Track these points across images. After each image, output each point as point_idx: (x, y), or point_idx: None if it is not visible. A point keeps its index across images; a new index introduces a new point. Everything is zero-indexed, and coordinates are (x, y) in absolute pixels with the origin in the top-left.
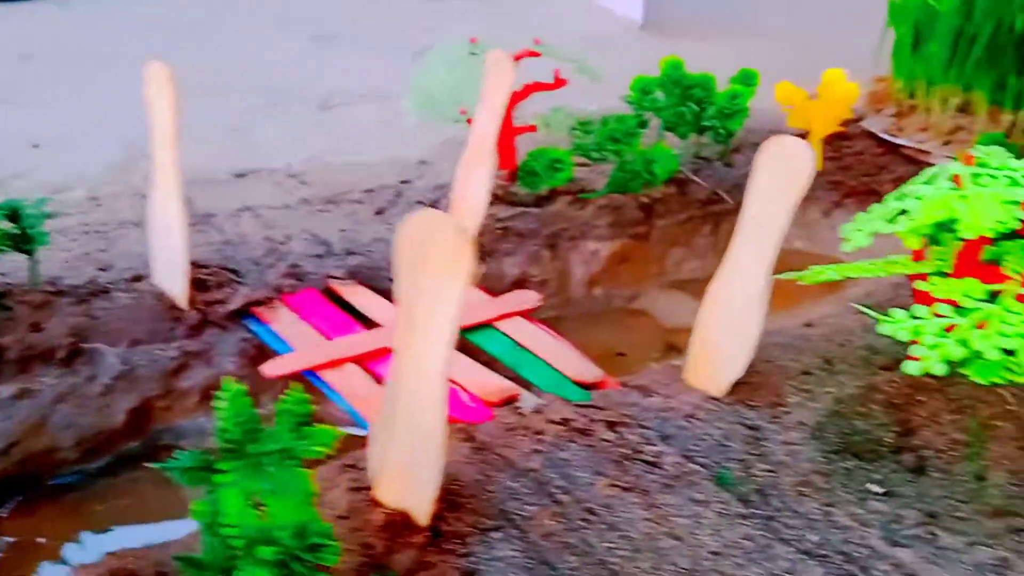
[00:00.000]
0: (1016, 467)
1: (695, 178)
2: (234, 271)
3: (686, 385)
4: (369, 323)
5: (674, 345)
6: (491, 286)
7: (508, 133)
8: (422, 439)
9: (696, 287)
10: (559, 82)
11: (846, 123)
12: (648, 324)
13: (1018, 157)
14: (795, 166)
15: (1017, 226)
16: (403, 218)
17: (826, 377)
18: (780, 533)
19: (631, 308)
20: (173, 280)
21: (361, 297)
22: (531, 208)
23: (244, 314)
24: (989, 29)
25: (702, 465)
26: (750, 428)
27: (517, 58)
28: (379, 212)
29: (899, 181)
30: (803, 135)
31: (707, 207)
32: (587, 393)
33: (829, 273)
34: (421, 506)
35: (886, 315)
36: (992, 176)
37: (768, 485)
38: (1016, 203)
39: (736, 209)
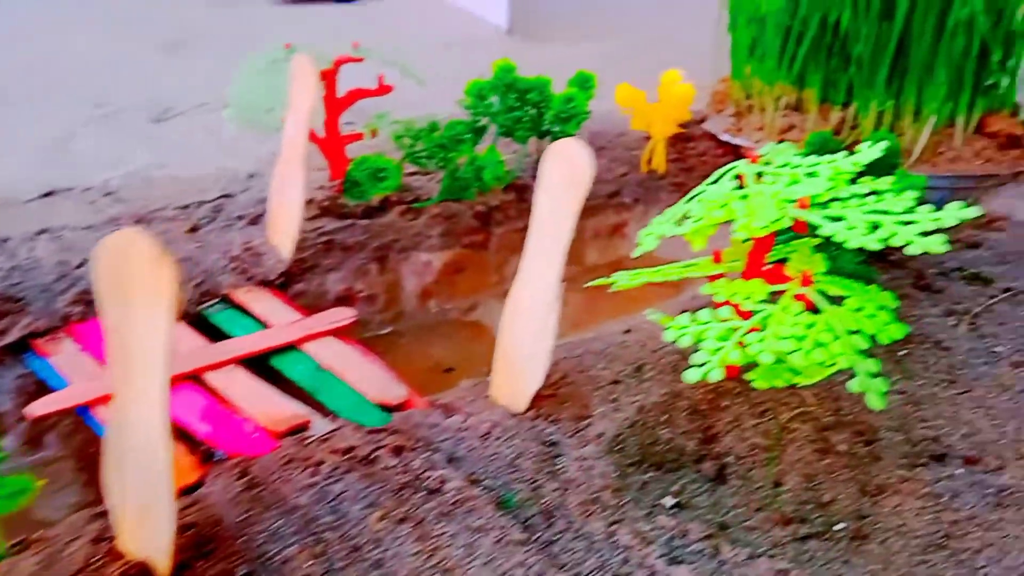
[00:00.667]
0: (811, 471)
1: (533, 183)
2: (19, 300)
3: (491, 402)
4: None
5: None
6: (312, 304)
7: (336, 142)
8: (151, 482)
9: None
10: (383, 88)
11: (689, 124)
12: (483, 336)
13: (837, 150)
14: (575, 170)
15: (790, 223)
16: (220, 235)
17: (635, 385)
18: (558, 559)
19: (467, 320)
20: None
21: None
22: (360, 220)
23: (25, 347)
24: (815, 27)
25: (487, 488)
26: (547, 444)
27: (338, 64)
28: (193, 230)
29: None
30: (647, 137)
31: None
32: (388, 416)
33: (629, 279)
34: (160, 555)
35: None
36: (774, 174)
37: (556, 506)
38: (792, 201)
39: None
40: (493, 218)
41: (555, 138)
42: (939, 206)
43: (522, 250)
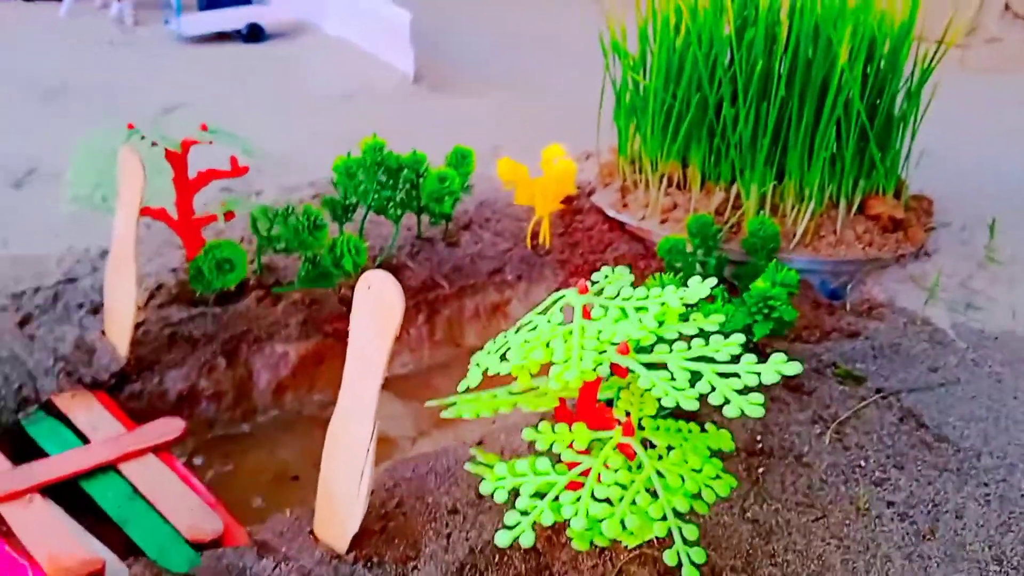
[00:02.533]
0: None
1: (410, 263)
2: None
3: (313, 538)
4: None
5: None
6: (150, 407)
7: (190, 224)
8: None
9: (406, 385)
10: (237, 170)
11: (578, 196)
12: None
13: (715, 241)
14: (385, 305)
15: (608, 370)
16: (52, 328)
17: (472, 516)
18: None
19: (324, 417)
20: None
21: None
22: (212, 308)
23: None
24: (694, 105)
25: None
26: None
27: (185, 147)
28: (23, 322)
29: (622, 260)
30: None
31: (421, 294)
32: (197, 556)
33: (466, 409)
34: None
35: (491, 468)
36: (603, 306)
37: None
38: (613, 343)
39: (454, 295)
40: None
41: (431, 215)
42: (822, 291)
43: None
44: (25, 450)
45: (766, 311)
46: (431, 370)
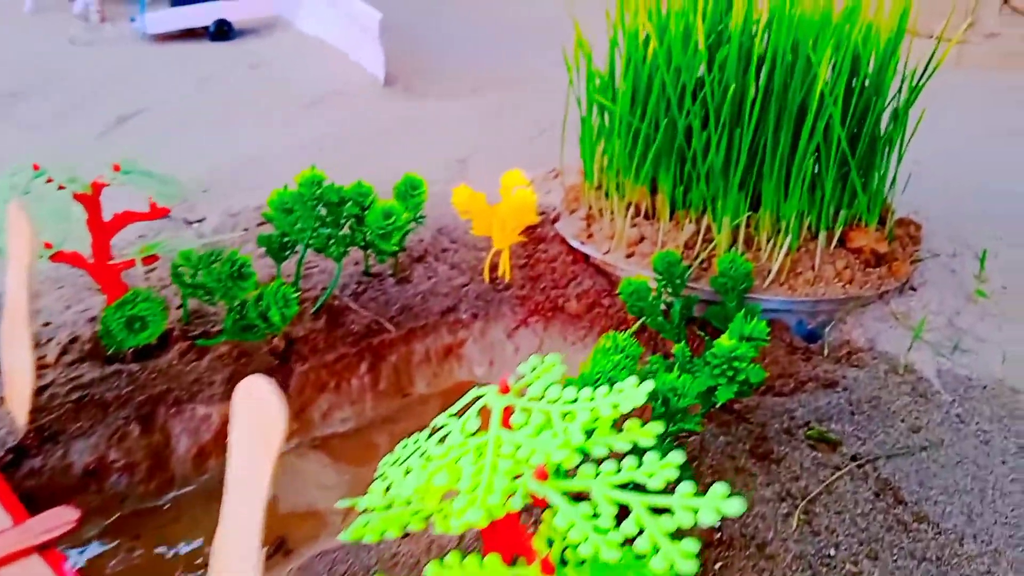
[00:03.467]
0: None
1: (353, 304)
2: None
3: None
4: None
5: (285, 541)
6: (52, 484)
7: (109, 270)
8: None
9: (344, 445)
10: (156, 212)
11: (542, 223)
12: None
13: (682, 280)
14: (266, 418)
15: (524, 500)
16: None
17: None
18: None
19: None
20: None
21: None
22: (128, 364)
23: None
24: (663, 131)
25: None
26: None
27: (96, 189)
28: None
29: (585, 296)
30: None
31: (365, 339)
32: None
33: (369, 528)
34: None
35: None
36: (526, 411)
37: None
38: (530, 466)
39: (402, 339)
40: (296, 352)
41: (377, 252)
42: (798, 332)
43: (325, 395)
44: None
45: (730, 373)
46: (374, 425)
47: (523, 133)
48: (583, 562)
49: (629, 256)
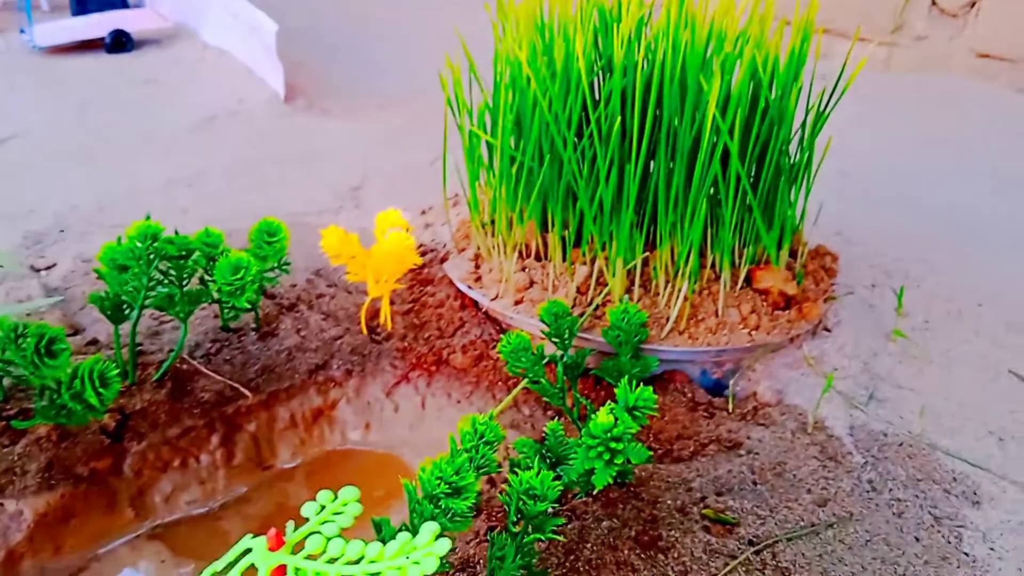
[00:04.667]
0: None
1: (204, 368)
2: None
3: None
4: None
5: None
6: None
7: None
8: None
9: (191, 532)
10: None
11: (430, 263)
12: None
13: (571, 332)
14: None
15: None
16: None
17: None
18: None
19: None
20: None
21: None
22: None
23: None
24: (546, 165)
25: None
26: None
27: None
28: None
29: (472, 347)
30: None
31: (216, 408)
32: None
33: None
34: None
35: None
36: (301, 571)
37: None
38: None
39: (262, 404)
40: (131, 429)
41: (230, 310)
42: (702, 383)
43: (168, 475)
44: None
45: (607, 456)
46: (226, 508)
47: (426, 155)
48: None
49: (518, 303)
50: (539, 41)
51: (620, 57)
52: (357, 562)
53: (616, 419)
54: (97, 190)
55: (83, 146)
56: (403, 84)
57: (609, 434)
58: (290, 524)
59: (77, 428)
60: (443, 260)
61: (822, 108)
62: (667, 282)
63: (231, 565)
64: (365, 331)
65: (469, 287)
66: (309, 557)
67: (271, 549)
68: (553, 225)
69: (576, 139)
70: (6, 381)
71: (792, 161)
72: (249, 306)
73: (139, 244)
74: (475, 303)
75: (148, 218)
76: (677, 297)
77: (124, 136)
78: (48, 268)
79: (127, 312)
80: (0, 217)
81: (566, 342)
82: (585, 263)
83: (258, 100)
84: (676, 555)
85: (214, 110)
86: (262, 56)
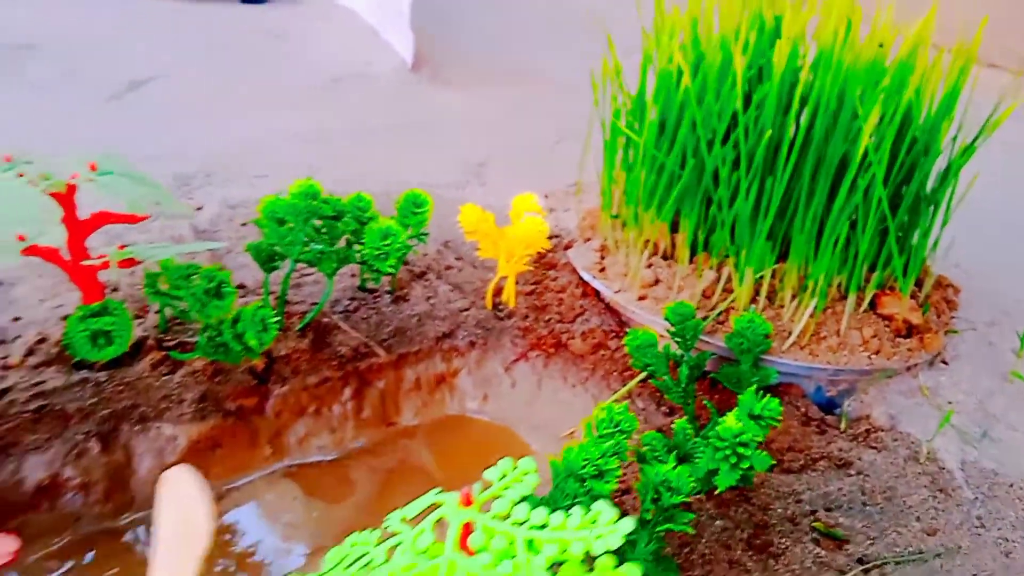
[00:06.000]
0: None
1: (343, 324)
2: None
3: None
4: None
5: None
6: (3, 499)
7: (83, 270)
8: None
9: (317, 475)
10: (134, 217)
11: (554, 248)
12: (223, 541)
13: (695, 334)
14: (191, 519)
15: None
16: None
17: None
18: None
19: (216, 510)
20: None
21: None
22: (96, 372)
23: None
24: (689, 169)
25: None
26: None
27: (71, 189)
28: None
29: (591, 335)
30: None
31: (351, 363)
32: None
33: None
34: None
35: None
36: (488, 531)
37: None
38: None
39: (392, 364)
40: (276, 372)
41: (373, 272)
42: (815, 399)
43: (303, 420)
44: None
45: (733, 459)
46: (352, 457)
47: (546, 135)
48: None
49: (641, 299)
50: (693, 45)
51: (781, 64)
52: (541, 528)
53: (743, 427)
54: (233, 138)
55: (218, 93)
56: (529, 61)
57: (737, 439)
58: (476, 486)
59: (229, 366)
60: (567, 247)
61: (969, 141)
62: (793, 297)
63: (424, 515)
64: (490, 307)
65: (593, 277)
66: (495, 518)
67: (462, 506)
68: (684, 227)
69: (721, 144)
70: (168, 313)
71: (932, 190)
72: (392, 271)
73: (299, 202)
74: (597, 293)
75: (309, 179)
76: (802, 313)
77: (254, 87)
78: (198, 209)
79: (278, 263)
80: (148, 158)
81: (689, 343)
82: (712, 268)
83: (384, 65)
84: (786, 562)
85: (340, 71)
86: (392, 21)
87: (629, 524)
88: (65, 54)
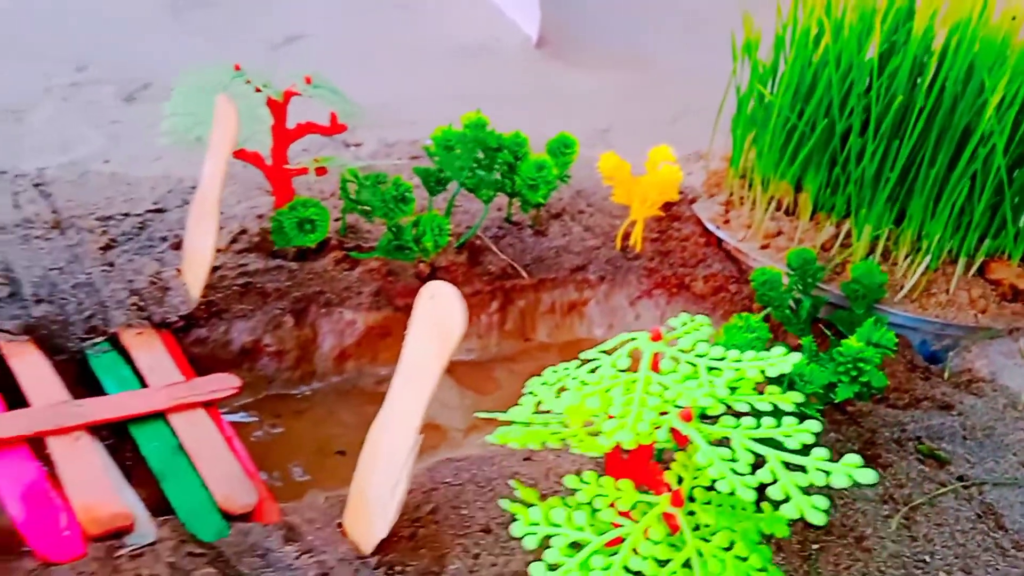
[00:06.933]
0: None
1: (493, 247)
2: None
3: (341, 532)
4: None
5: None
6: (213, 355)
7: (282, 172)
8: None
9: (468, 371)
10: (336, 127)
11: (679, 202)
12: None
13: (814, 279)
14: (445, 321)
15: (668, 435)
16: (132, 258)
17: (504, 539)
18: None
19: (380, 392)
20: None
21: (25, 362)
22: (290, 262)
23: None
24: (820, 132)
25: None
26: None
27: (287, 97)
28: (106, 247)
29: (712, 279)
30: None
31: (499, 281)
32: (227, 527)
33: (513, 436)
34: None
35: (529, 508)
36: (674, 359)
37: None
38: (677, 407)
39: (532, 287)
40: (437, 279)
41: (523, 201)
42: (921, 351)
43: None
44: (84, 379)
45: (854, 373)
46: (495, 362)
47: (664, 114)
48: (709, 501)
49: (764, 247)
50: (832, 11)
51: (917, 32)
52: (720, 359)
53: (865, 346)
54: (380, 91)
55: (360, 52)
56: (651, 45)
57: (858, 355)
58: (663, 327)
59: (400, 268)
60: (690, 202)
61: None
62: (907, 256)
63: (619, 347)
64: (619, 247)
65: (718, 227)
66: (681, 351)
67: (652, 340)
68: (807, 185)
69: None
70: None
71: None
72: (542, 202)
73: (469, 131)
74: (719, 242)
75: (479, 111)
76: (915, 270)
77: (393, 52)
78: (357, 145)
79: (442, 188)
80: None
81: (809, 285)
82: (833, 224)
83: (510, 40)
84: (893, 473)
85: (468, 43)
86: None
87: (797, 356)
88: (225, 7)
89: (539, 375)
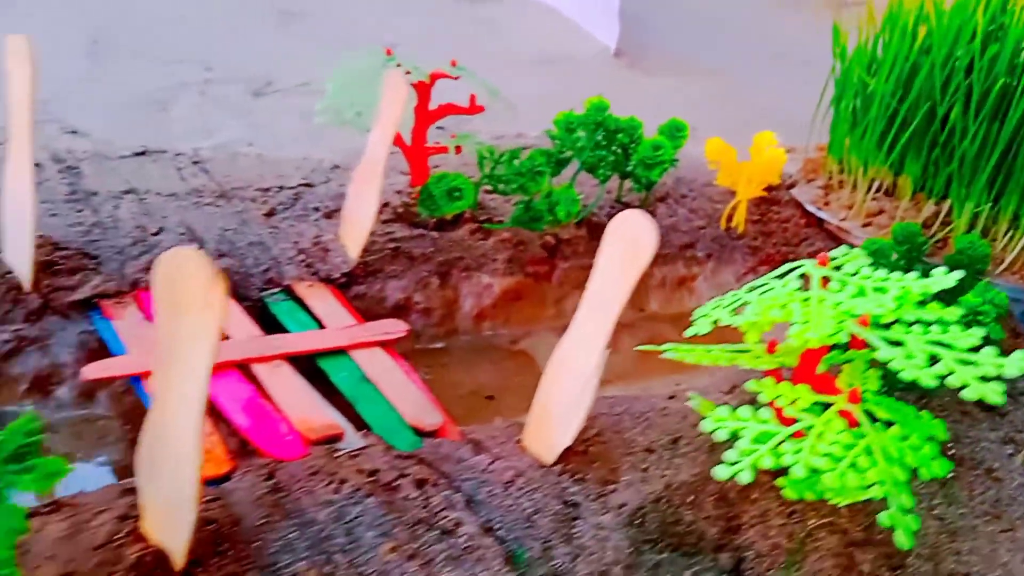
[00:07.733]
0: None
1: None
2: (94, 257)
3: (522, 447)
4: None
5: None
6: (370, 308)
7: (420, 151)
8: (179, 482)
9: None
10: (474, 108)
11: (777, 187)
12: (528, 368)
13: (919, 252)
14: (637, 246)
15: (847, 338)
16: (294, 223)
17: (667, 458)
18: None
19: (515, 349)
20: (21, 259)
21: None
22: (431, 232)
23: (93, 305)
24: (921, 116)
25: (499, 540)
26: (567, 505)
27: (433, 78)
28: (269, 214)
29: (815, 256)
30: (732, 193)
31: None
32: (419, 441)
33: (680, 353)
34: (177, 547)
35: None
36: (841, 281)
37: (564, 572)
38: (853, 315)
39: None
40: (561, 251)
41: (637, 182)
42: (1020, 321)
43: (577, 292)
44: (267, 325)
45: (974, 324)
46: (615, 328)
47: (737, 118)
48: (880, 403)
49: (865, 225)
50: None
51: (1019, 17)
52: (885, 280)
53: (982, 301)
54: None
55: (448, 62)
56: (718, 55)
57: (978, 308)
58: (828, 254)
59: (527, 239)
60: (789, 187)
61: None
62: (1006, 232)
63: (789, 272)
64: (724, 227)
65: (819, 209)
66: (847, 275)
67: (819, 266)
68: (908, 167)
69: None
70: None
71: None
72: (655, 181)
73: (590, 114)
74: (819, 223)
75: (600, 96)
76: (1016, 244)
77: (474, 60)
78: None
79: (562, 168)
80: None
81: (914, 258)
82: (933, 203)
83: (588, 52)
84: (1011, 420)
85: (550, 54)
86: (593, 11)
87: (960, 273)
88: (328, 21)
89: (650, 342)
